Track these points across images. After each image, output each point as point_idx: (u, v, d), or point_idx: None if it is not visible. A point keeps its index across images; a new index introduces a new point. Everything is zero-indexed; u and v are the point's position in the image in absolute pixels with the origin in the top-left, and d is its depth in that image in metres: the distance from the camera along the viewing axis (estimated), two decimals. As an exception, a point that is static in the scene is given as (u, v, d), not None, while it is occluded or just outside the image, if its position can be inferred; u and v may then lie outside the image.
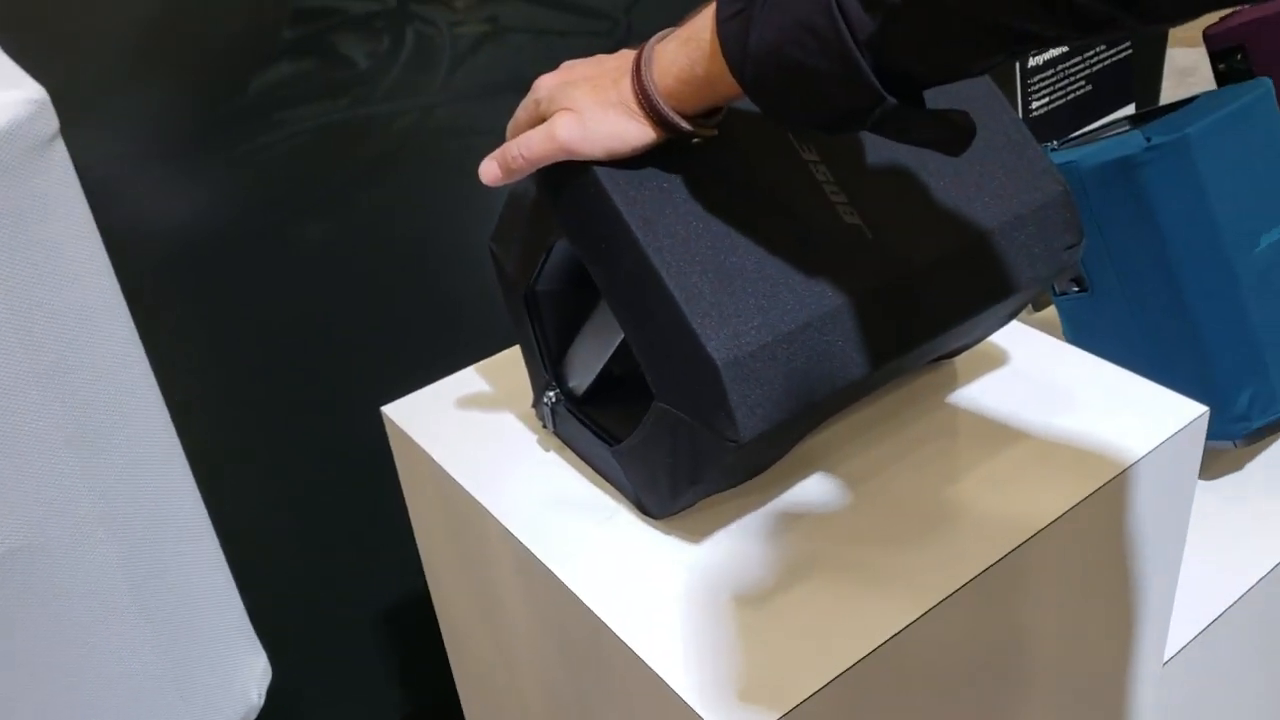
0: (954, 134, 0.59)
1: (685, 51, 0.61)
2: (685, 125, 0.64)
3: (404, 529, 0.99)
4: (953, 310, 0.71)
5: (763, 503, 0.76)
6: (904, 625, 0.65)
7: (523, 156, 0.67)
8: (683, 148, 0.67)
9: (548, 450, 0.84)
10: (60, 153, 0.52)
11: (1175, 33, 1.77)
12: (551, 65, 0.70)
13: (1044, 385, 0.84)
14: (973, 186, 0.73)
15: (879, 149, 0.72)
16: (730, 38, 0.58)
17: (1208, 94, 1.15)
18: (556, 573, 0.73)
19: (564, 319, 0.78)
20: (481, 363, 0.96)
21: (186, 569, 0.64)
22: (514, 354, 0.96)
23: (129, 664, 0.61)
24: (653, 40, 0.64)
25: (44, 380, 0.53)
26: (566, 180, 0.67)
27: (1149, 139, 1.02)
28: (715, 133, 0.66)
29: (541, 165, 0.67)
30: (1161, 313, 1.06)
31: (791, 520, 0.75)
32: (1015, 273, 0.73)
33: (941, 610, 0.67)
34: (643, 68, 0.63)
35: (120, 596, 0.59)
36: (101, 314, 0.56)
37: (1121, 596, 0.84)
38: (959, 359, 0.87)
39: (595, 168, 0.65)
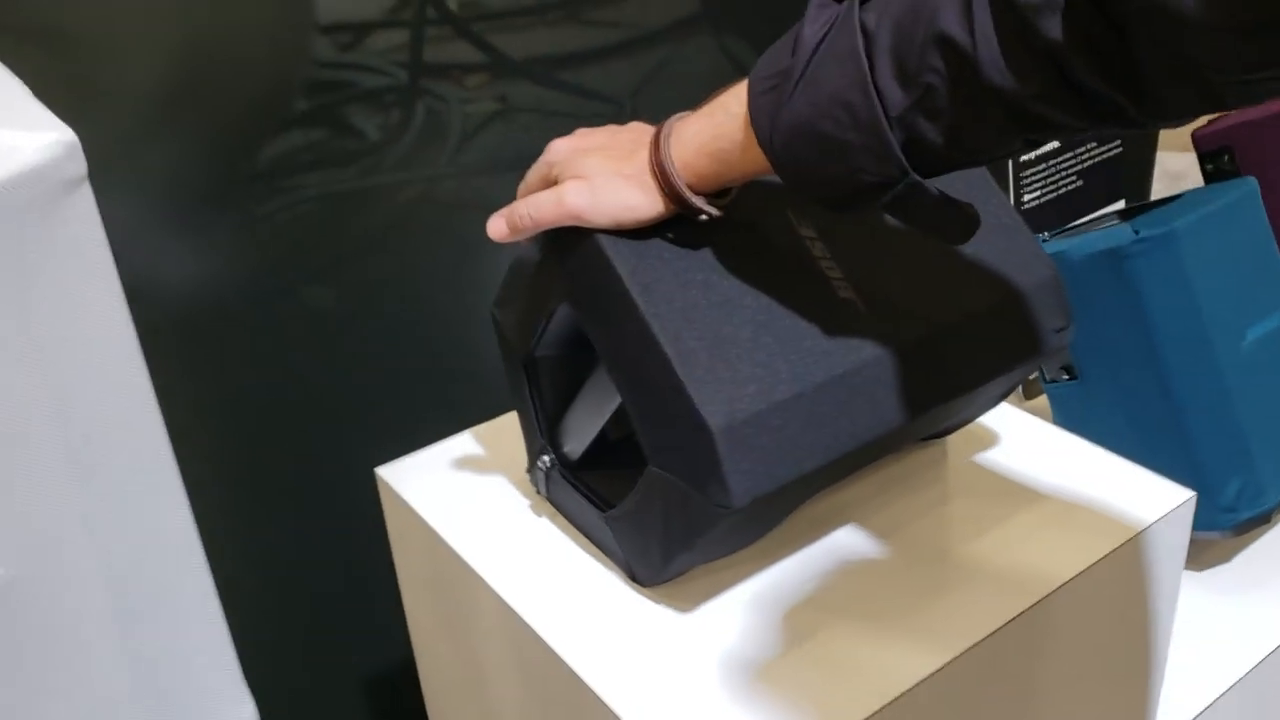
0: (962, 222, 0.61)
1: (710, 124, 0.64)
2: (696, 201, 0.66)
3: (392, 590, 0.99)
4: (944, 387, 0.72)
5: (755, 572, 0.77)
6: (886, 701, 0.65)
7: (530, 217, 0.68)
8: (685, 222, 0.68)
9: (540, 516, 0.85)
10: (86, 196, 0.54)
11: (1166, 137, 1.82)
12: None
13: (1033, 465, 0.85)
14: (964, 267, 0.75)
15: (873, 228, 0.74)
16: (761, 111, 0.60)
17: (1194, 191, 1.18)
18: (547, 640, 0.73)
19: (561, 384, 0.79)
20: (477, 427, 0.97)
21: (179, 610, 0.64)
22: (509, 419, 0.97)
23: (114, 704, 0.60)
24: (673, 118, 0.67)
25: (52, 415, 0.54)
26: (570, 244, 0.69)
27: (1137, 231, 1.05)
28: (721, 214, 0.68)
29: (547, 228, 0.69)
30: (1149, 402, 1.08)
31: (784, 589, 0.75)
32: (1005, 353, 0.74)
33: (943, 674, 0.67)
34: (662, 141, 0.65)
35: (108, 635, 0.59)
36: (115, 356, 0.57)
37: (1108, 684, 0.84)
38: (950, 439, 0.89)
39: (599, 235, 0.67)
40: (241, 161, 1.00)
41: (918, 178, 0.58)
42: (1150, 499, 0.81)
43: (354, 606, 1.20)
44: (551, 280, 0.72)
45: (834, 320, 0.69)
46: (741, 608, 0.74)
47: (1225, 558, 1.16)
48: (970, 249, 0.76)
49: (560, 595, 0.76)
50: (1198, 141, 1.33)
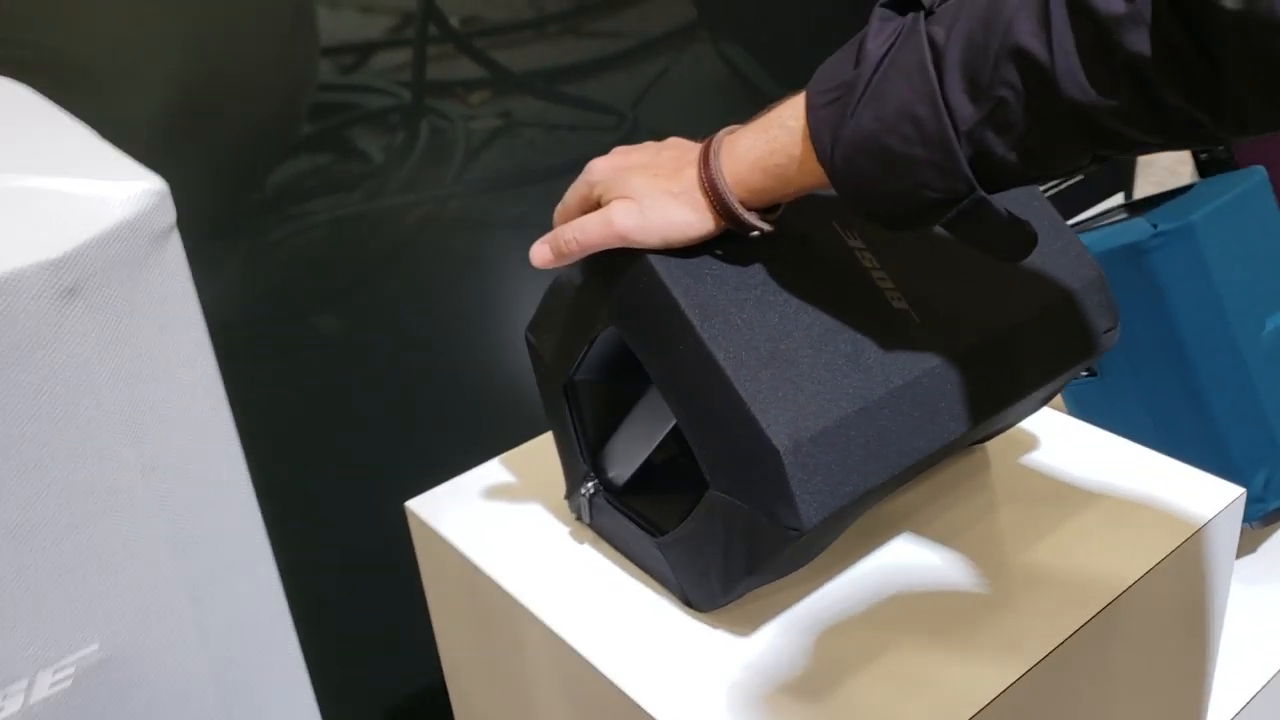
0: (1022, 240, 0.60)
1: (764, 139, 0.62)
2: (749, 218, 0.64)
3: (423, 625, 0.97)
4: (1001, 393, 0.71)
5: (811, 591, 0.75)
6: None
7: (577, 241, 0.66)
8: (734, 238, 0.67)
9: (582, 543, 0.83)
10: (175, 244, 0.51)
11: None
12: (562, 159, 0.70)
13: (1077, 466, 0.84)
14: (1013, 271, 0.73)
15: (919, 237, 0.73)
16: (822, 125, 0.58)
17: (1203, 182, 1.18)
18: (603, 671, 0.71)
19: (603, 408, 0.77)
20: (504, 455, 0.94)
21: (271, 680, 0.61)
22: (536, 445, 0.95)
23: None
24: (721, 132, 0.65)
25: (149, 479, 0.51)
26: (619, 267, 0.67)
27: (1155, 225, 1.04)
28: (772, 229, 0.66)
29: (594, 251, 0.67)
30: (1173, 396, 1.07)
31: (843, 607, 0.74)
32: (1059, 355, 0.73)
33: (1018, 687, 0.66)
34: (711, 158, 0.63)
35: (210, 706, 0.56)
36: (206, 412, 0.54)
37: (1169, 681, 0.83)
38: (989, 444, 0.87)
39: (650, 256, 0.65)
40: (249, 189, 0.97)
41: (984, 194, 0.56)
42: (1201, 496, 0.80)
43: (383, 642, 1.17)
44: (596, 304, 0.70)
45: (890, 332, 0.68)
46: (802, 629, 0.72)
47: (1251, 548, 1.16)
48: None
49: (612, 624, 0.74)
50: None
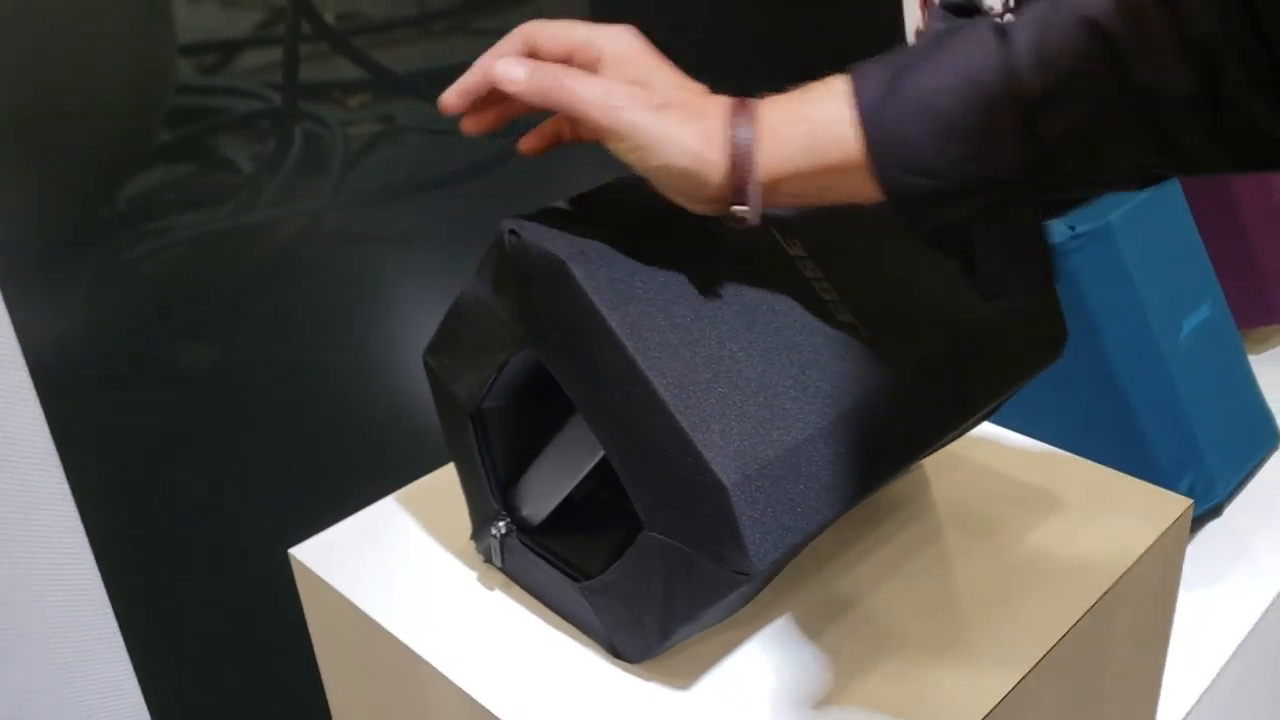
0: (1040, 267, 0.54)
1: (799, 104, 0.54)
2: (755, 196, 0.55)
3: (307, 681, 0.87)
4: (955, 409, 0.66)
5: (753, 634, 0.68)
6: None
7: (565, 87, 0.54)
8: (665, 247, 0.60)
9: (492, 589, 0.74)
10: None
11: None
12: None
13: (1019, 479, 0.80)
14: (960, 283, 0.68)
15: (863, 244, 0.67)
16: (869, 80, 0.52)
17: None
18: (525, 735, 0.63)
19: (516, 439, 0.69)
20: (400, 492, 0.85)
21: None
22: (436, 480, 0.86)
23: None
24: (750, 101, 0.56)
25: None
26: (535, 282, 0.59)
27: (1073, 227, 1.01)
28: (758, 223, 0.57)
29: (573, 112, 0.55)
30: (1097, 402, 1.05)
31: (786, 650, 0.67)
32: (1012, 367, 0.68)
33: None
34: (740, 119, 0.54)
35: None
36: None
37: (1124, 696, 0.79)
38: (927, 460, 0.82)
39: (571, 266, 0.57)
40: (98, 203, 0.86)
41: (1028, 180, 0.51)
42: (1149, 509, 0.76)
43: (267, 701, 1.06)
44: (508, 323, 0.62)
45: (837, 349, 0.61)
46: (746, 677, 0.65)
47: (1172, 553, 1.14)
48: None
49: (530, 680, 0.66)
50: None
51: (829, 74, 0.54)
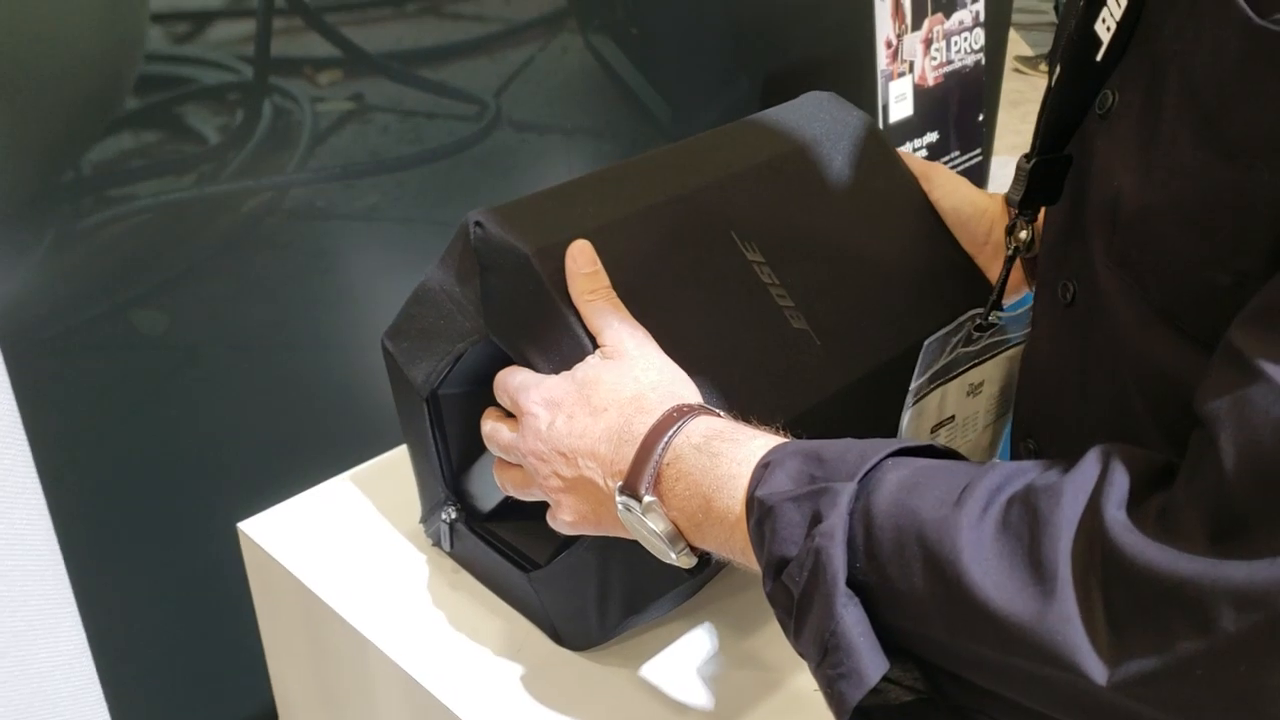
0: None
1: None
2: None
3: (252, 656, 0.87)
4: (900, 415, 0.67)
5: (700, 622, 0.70)
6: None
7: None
8: (628, 245, 0.61)
9: (439, 572, 0.75)
10: None
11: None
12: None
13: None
14: (913, 291, 0.70)
15: (819, 249, 0.68)
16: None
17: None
18: (462, 716, 0.64)
19: (468, 427, 0.70)
20: (351, 472, 0.86)
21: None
22: (387, 461, 0.86)
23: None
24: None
25: None
26: (501, 277, 0.60)
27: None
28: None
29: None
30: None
31: (736, 635, 0.68)
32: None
33: None
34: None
35: None
36: None
37: None
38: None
39: (536, 265, 0.58)
40: (61, 167, 0.86)
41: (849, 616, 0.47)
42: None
43: (210, 674, 1.06)
44: (470, 315, 0.63)
45: (789, 355, 0.63)
46: (699, 661, 0.67)
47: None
48: (912, 271, 0.71)
49: (472, 664, 0.67)
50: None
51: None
